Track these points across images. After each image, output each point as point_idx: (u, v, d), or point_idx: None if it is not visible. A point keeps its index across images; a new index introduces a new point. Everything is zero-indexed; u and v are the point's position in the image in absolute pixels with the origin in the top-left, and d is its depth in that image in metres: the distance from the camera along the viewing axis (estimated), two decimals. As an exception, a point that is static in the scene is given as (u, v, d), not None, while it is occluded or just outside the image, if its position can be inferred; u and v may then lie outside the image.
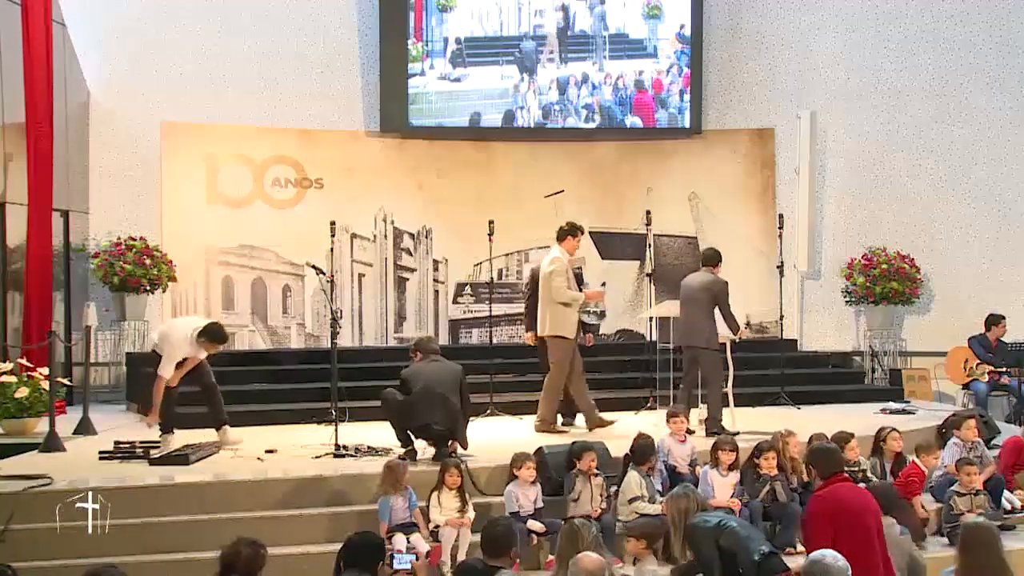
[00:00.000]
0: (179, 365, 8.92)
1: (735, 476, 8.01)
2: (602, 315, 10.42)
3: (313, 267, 9.69)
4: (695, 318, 9.80)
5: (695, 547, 6.36)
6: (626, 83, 14.13)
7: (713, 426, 9.53)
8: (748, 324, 10.84)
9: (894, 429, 8.72)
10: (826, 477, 6.28)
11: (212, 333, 8.92)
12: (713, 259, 9.96)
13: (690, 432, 8.98)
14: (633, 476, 7.89)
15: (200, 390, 9.15)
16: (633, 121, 14.17)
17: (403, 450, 8.41)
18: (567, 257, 9.93)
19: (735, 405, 10.03)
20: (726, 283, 9.84)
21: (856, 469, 8.35)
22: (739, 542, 6.02)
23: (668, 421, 8.71)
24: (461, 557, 7.11)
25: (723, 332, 9.88)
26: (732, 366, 10.09)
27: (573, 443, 8.08)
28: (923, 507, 8.19)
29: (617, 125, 14.19)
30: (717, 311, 9.79)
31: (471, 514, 7.42)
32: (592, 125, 14.16)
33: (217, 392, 9.23)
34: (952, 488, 8.15)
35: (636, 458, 7.99)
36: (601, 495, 7.73)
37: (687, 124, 14.15)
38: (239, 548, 4.98)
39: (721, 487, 7.96)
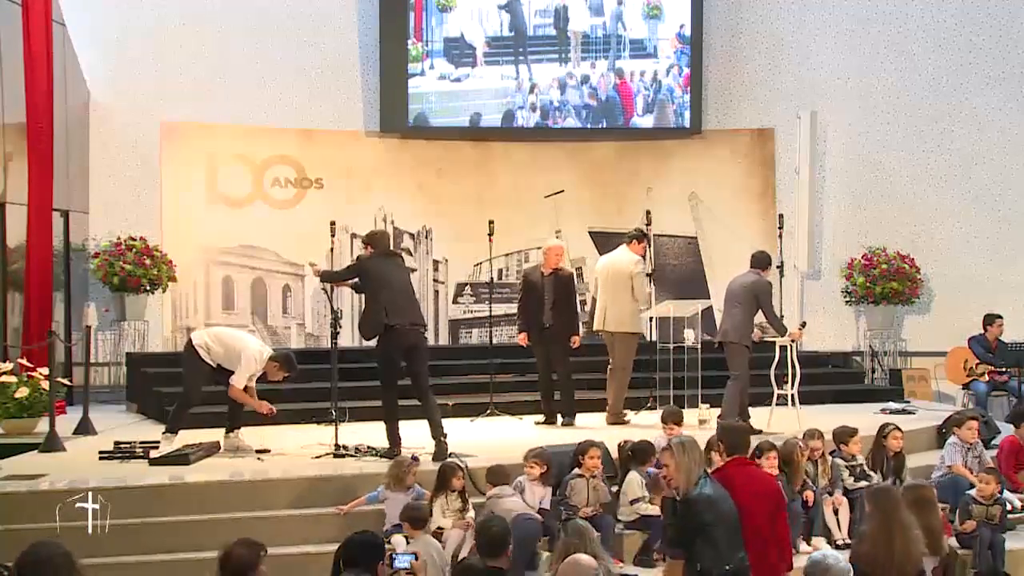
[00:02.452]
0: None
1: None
2: None
3: (313, 266, 9.71)
4: (729, 314, 9.91)
5: (692, 519, 5.93)
6: (626, 82, 14.14)
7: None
8: (803, 324, 10.81)
9: (897, 427, 8.73)
10: (730, 455, 6.24)
11: (288, 361, 8.94)
12: (762, 262, 10.02)
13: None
14: (635, 477, 7.89)
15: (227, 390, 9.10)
16: (634, 121, 14.17)
17: (395, 448, 8.45)
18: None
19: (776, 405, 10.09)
20: (770, 283, 9.90)
21: (855, 464, 8.38)
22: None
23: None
24: (463, 555, 7.10)
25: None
26: (799, 367, 10.09)
27: (581, 442, 8.08)
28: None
29: (612, 125, 14.17)
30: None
31: (472, 514, 7.42)
32: (594, 125, 14.15)
33: None
34: (969, 493, 8.14)
35: (637, 458, 8.00)
36: (597, 499, 7.72)
37: (687, 124, 14.15)
38: (236, 548, 4.97)
39: (718, 487, 7.95)
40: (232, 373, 8.82)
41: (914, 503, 6.33)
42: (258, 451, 8.80)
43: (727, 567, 5.79)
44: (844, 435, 8.49)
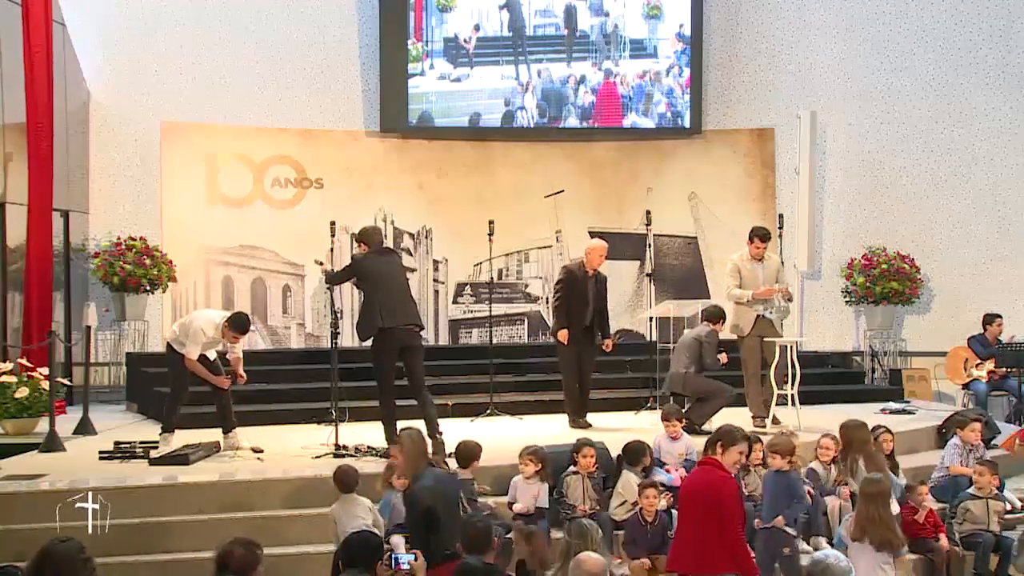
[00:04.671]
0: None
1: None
2: (784, 311, 10.34)
3: (319, 264, 9.78)
4: (674, 368, 10.01)
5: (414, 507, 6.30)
6: (628, 82, 14.14)
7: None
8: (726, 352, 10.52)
9: (887, 430, 8.72)
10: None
11: (235, 321, 8.85)
12: (713, 316, 10.04)
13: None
14: (632, 478, 7.88)
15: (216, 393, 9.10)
16: (635, 121, 14.17)
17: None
18: (747, 258, 10.24)
19: (774, 404, 10.07)
20: (716, 334, 9.93)
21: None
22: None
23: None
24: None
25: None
26: (799, 367, 10.09)
27: (578, 439, 8.08)
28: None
29: (609, 125, 14.16)
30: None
31: None
32: (592, 125, 14.16)
33: (229, 397, 9.19)
34: (968, 491, 8.12)
35: (629, 459, 8.01)
36: (591, 497, 7.72)
37: (687, 124, 14.15)
38: (233, 548, 4.97)
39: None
40: (206, 359, 8.87)
41: (867, 494, 6.71)
42: (253, 449, 8.80)
43: (447, 552, 5.95)
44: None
